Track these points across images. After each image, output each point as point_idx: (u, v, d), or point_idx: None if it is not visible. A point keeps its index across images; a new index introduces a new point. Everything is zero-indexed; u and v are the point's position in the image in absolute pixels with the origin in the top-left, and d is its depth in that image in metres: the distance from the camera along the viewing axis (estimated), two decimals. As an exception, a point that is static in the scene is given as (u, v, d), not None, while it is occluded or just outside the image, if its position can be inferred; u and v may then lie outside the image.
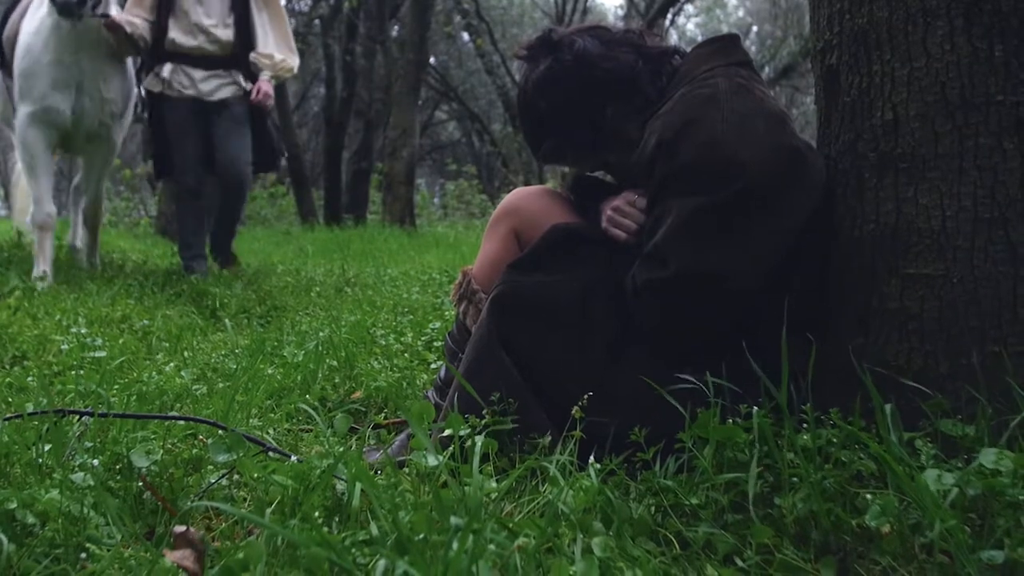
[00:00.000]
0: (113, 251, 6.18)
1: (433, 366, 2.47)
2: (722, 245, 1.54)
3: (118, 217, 13.19)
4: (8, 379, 2.23)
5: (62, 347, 2.70)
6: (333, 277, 4.95)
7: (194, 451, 1.51)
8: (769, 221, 1.55)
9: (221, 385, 2.14)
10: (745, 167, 1.51)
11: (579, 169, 1.93)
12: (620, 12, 21.01)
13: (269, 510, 1.21)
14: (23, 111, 4.27)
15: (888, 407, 1.32)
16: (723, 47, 1.74)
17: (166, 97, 4.72)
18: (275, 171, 5.51)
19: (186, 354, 2.68)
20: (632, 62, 1.74)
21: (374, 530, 1.07)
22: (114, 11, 4.34)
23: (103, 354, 2.49)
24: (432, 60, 18.22)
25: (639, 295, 1.60)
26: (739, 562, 1.16)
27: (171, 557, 0.97)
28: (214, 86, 4.71)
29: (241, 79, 4.76)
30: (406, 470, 1.43)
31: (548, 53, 1.77)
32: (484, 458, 1.47)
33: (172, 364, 2.49)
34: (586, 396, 1.50)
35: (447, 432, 1.47)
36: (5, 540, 1.08)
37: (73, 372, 2.32)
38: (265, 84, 4.74)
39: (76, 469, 1.32)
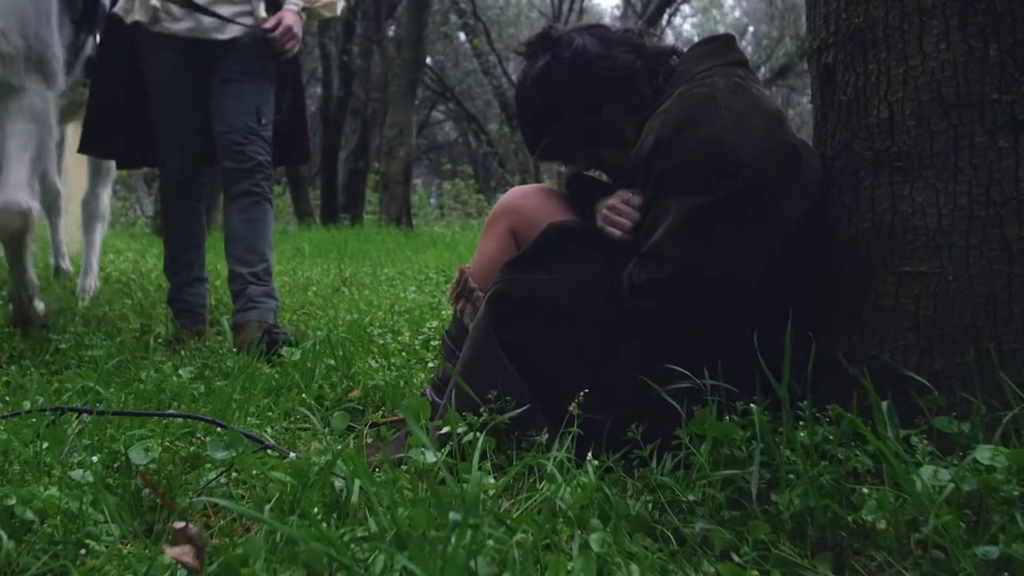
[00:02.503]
0: (109, 251, 6.17)
1: (430, 365, 2.47)
2: (720, 244, 1.55)
3: (114, 217, 13.18)
4: (5, 378, 2.23)
5: (60, 346, 2.70)
6: (330, 276, 4.95)
7: (192, 449, 1.51)
8: (766, 219, 1.56)
9: (219, 384, 2.14)
10: (743, 165, 1.52)
11: (575, 167, 1.94)
12: (617, 12, 21.04)
13: (268, 507, 1.22)
14: None
15: (884, 404, 1.33)
16: (719, 47, 1.75)
17: (145, 36, 3.04)
18: (305, 162, 3.77)
19: (183, 353, 2.68)
20: (630, 61, 1.74)
21: (373, 526, 1.07)
22: None
23: (101, 352, 2.49)
24: (429, 60, 18.23)
25: (636, 294, 1.60)
26: (736, 558, 1.17)
27: (171, 553, 0.97)
28: (222, 16, 3.05)
29: (262, 7, 3.10)
30: (404, 467, 1.43)
31: (547, 50, 1.78)
32: (482, 455, 1.47)
33: (170, 363, 2.49)
34: (583, 393, 1.51)
35: (445, 430, 1.47)
36: (5, 536, 1.09)
37: (70, 371, 2.32)
38: (291, 16, 3.07)
39: (75, 466, 1.32)
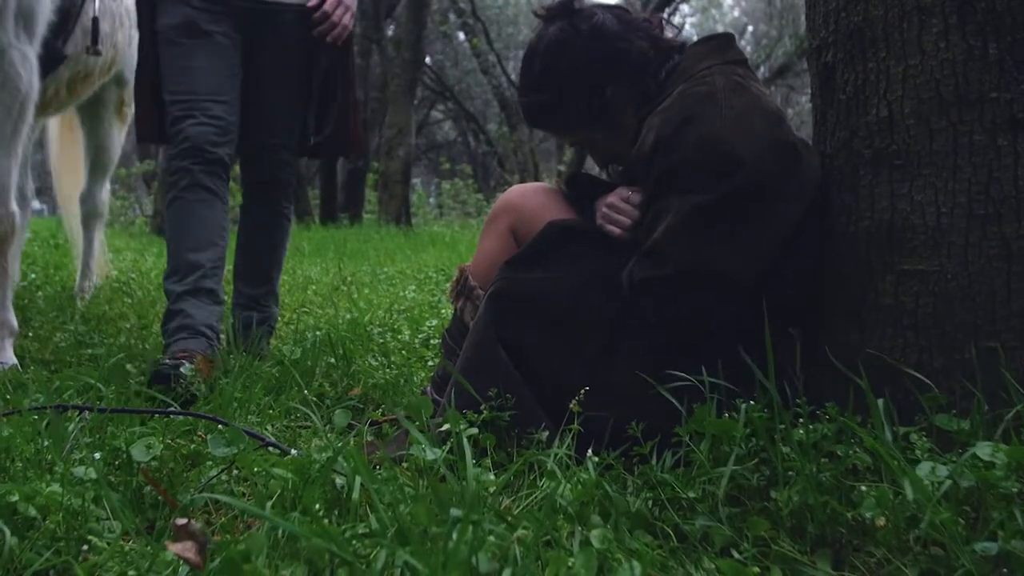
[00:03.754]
0: (108, 250, 6.16)
1: (430, 363, 2.48)
2: (721, 242, 1.55)
3: (113, 216, 13.17)
4: (5, 376, 2.23)
5: (59, 345, 2.70)
6: (329, 276, 4.95)
7: (193, 446, 1.51)
8: (767, 217, 1.56)
9: (221, 382, 2.14)
10: (743, 163, 1.52)
11: (562, 139, 1.94)
12: (616, 12, 21.00)
13: (269, 503, 1.22)
14: None
15: (880, 401, 1.33)
16: (719, 45, 1.75)
17: None
18: (354, 153, 3.06)
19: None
20: (645, 49, 1.74)
21: (374, 522, 1.07)
22: None
23: (101, 351, 2.49)
24: (428, 60, 18.22)
25: (636, 291, 1.60)
26: (736, 554, 1.17)
27: (173, 549, 0.97)
28: None
29: None
30: (405, 465, 1.44)
31: (566, 18, 1.78)
32: (482, 453, 1.48)
33: (170, 361, 2.49)
34: (583, 391, 1.51)
35: (445, 427, 1.48)
36: (8, 533, 1.09)
37: (70, 369, 2.32)
38: None
39: (77, 463, 1.32)
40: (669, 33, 1.81)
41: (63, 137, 3.95)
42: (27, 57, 2.38)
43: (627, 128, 1.73)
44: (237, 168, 3.02)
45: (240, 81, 2.51)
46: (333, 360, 2.41)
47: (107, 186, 4.01)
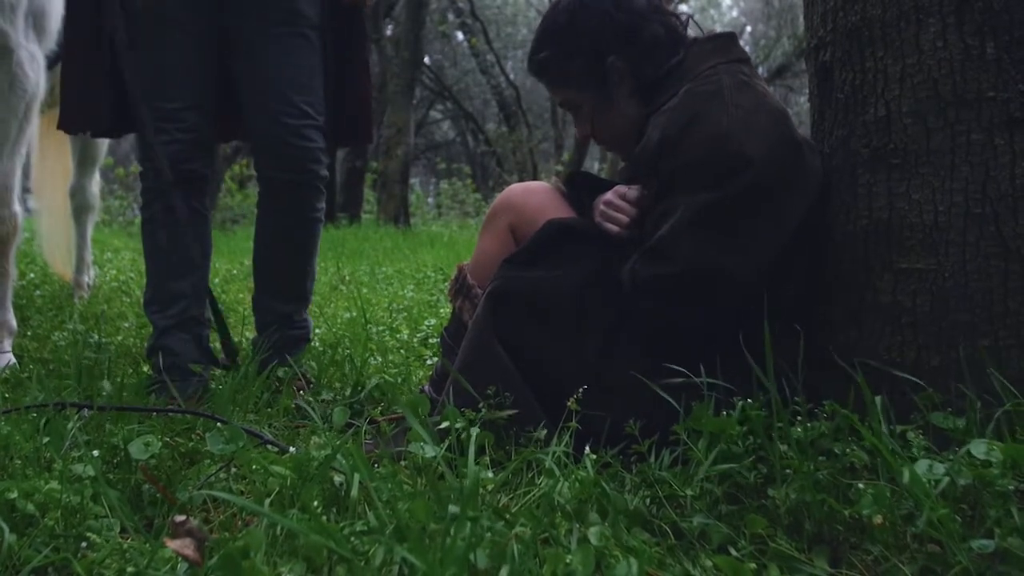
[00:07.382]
0: (107, 250, 6.17)
1: (429, 362, 2.48)
2: (728, 240, 1.55)
3: (111, 216, 13.16)
4: (4, 375, 2.23)
5: (58, 344, 2.70)
6: (328, 275, 4.95)
7: (191, 444, 1.52)
8: (774, 215, 1.57)
9: (218, 379, 2.14)
10: (752, 161, 1.52)
11: (553, 94, 1.94)
12: (614, 12, 20.99)
13: (268, 500, 1.22)
14: None
15: (878, 399, 1.33)
16: (722, 44, 1.75)
17: None
18: (366, 143, 2.68)
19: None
20: (659, 36, 1.75)
21: (372, 519, 1.08)
22: None
23: (100, 351, 2.49)
24: (426, 59, 18.22)
25: (640, 290, 1.60)
26: (733, 551, 1.17)
27: (172, 546, 0.97)
28: None
29: None
30: (403, 462, 1.44)
31: None
32: (480, 451, 1.48)
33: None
34: (581, 389, 1.51)
35: (444, 425, 1.48)
36: (7, 530, 1.09)
37: (69, 368, 2.32)
38: None
39: (75, 461, 1.32)
40: (691, 34, 1.82)
41: (48, 130, 3.65)
42: (35, 57, 2.32)
43: (617, 105, 1.76)
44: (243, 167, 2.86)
45: (215, 65, 2.20)
46: (332, 359, 2.41)
47: (97, 178, 3.90)
